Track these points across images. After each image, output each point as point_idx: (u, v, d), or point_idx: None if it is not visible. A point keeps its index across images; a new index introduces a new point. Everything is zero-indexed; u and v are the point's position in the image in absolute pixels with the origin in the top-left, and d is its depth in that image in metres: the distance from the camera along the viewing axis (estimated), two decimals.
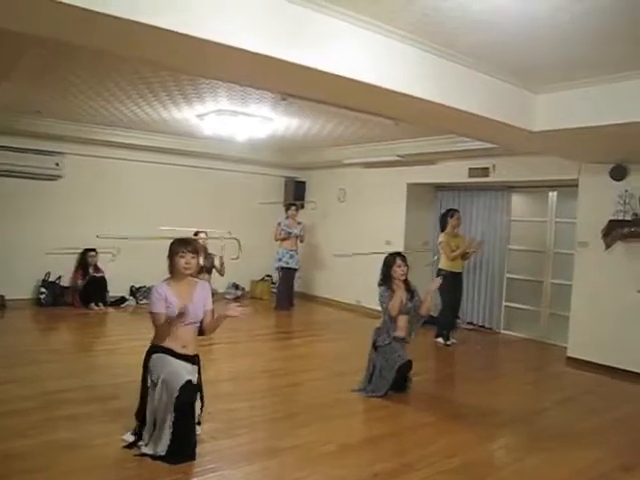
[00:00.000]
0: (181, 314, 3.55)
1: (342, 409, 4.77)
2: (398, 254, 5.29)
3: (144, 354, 3.75)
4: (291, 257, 9.64)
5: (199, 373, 3.82)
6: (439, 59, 4.01)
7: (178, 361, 3.67)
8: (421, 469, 3.63)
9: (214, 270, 7.75)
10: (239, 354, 6.56)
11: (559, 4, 3.10)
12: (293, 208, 9.91)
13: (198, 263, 3.88)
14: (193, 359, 3.79)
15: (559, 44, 3.73)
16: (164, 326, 3.65)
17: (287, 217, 9.82)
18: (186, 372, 3.62)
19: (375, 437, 4.25)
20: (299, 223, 9.89)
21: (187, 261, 3.72)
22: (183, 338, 3.71)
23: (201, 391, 3.83)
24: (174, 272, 3.78)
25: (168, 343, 3.68)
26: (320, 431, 4.20)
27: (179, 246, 3.75)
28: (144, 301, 8.78)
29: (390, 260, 5.22)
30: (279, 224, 9.72)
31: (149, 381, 3.64)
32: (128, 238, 5.05)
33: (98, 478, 3.22)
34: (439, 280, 5.57)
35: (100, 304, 8.62)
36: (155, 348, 3.72)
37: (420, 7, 3.25)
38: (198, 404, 3.78)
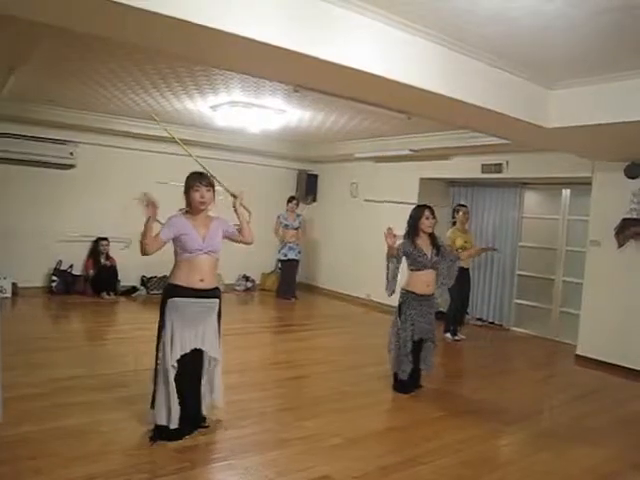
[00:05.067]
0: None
1: (349, 402, 4.78)
2: (426, 206, 5.13)
3: (162, 294, 3.74)
4: (290, 249, 9.84)
5: (220, 307, 3.82)
6: (451, 52, 3.97)
7: (192, 315, 3.62)
8: (427, 463, 3.63)
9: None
10: (246, 346, 6.55)
11: (571, 1, 3.08)
12: (293, 202, 10.06)
13: (214, 197, 3.83)
14: (212, 292, 3.75)
15: (573, 40, 3.68)
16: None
17: (287, 210, 9.99)
18: (193, 336, 3.61)
19: (382, 430, 4.27)
20: (298, 215, 10.09)
21: (202, 194, 3.71)
22: (200, 270, 3.66)
23: (219, 331, 3.81)
24: (191, 207, 3.77)
25: (186, 278, 3.63)
26: (327, 423, 4.21)
27: (194, 180, 3.75)
28: (155, 291, 8.85)
29: (418, 212, 5.08)
30: (278, 217, 9.91)
31: (165, 327, 3.60)
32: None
33: (105, 465, 3.24)
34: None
35: (111, 293, 8.69)
36: (172, 290, 3.66)
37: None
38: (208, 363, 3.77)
